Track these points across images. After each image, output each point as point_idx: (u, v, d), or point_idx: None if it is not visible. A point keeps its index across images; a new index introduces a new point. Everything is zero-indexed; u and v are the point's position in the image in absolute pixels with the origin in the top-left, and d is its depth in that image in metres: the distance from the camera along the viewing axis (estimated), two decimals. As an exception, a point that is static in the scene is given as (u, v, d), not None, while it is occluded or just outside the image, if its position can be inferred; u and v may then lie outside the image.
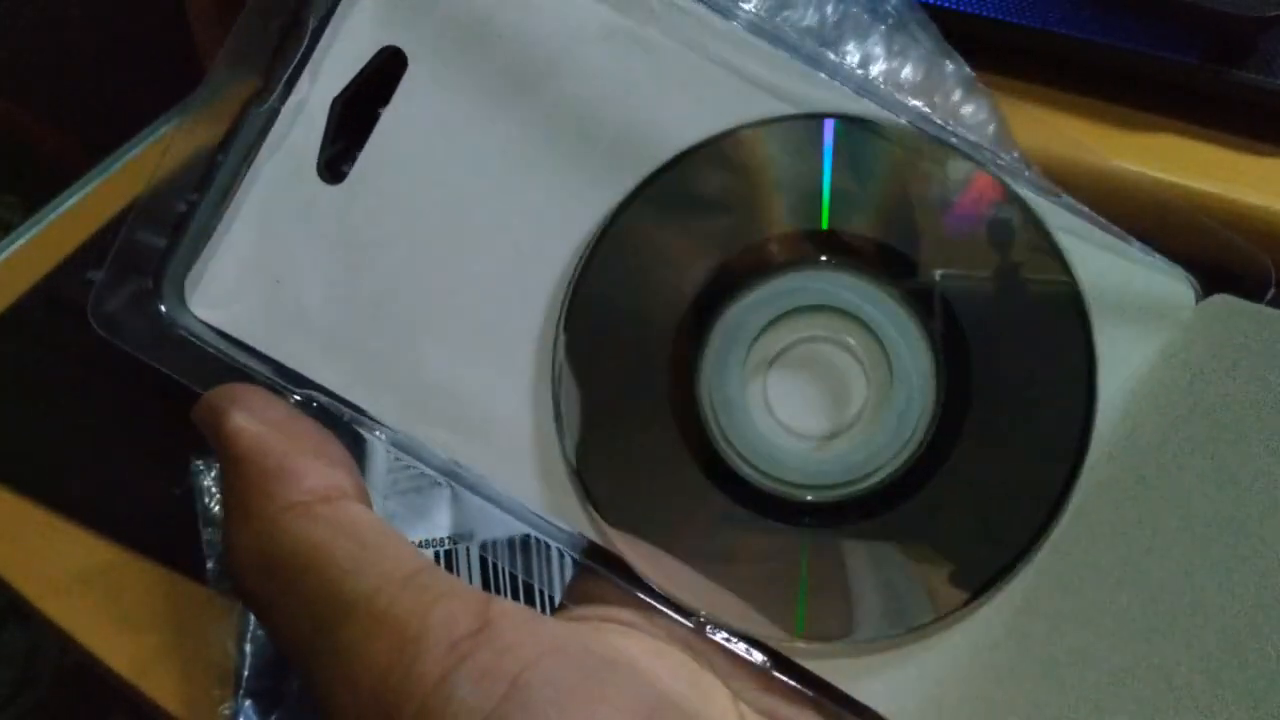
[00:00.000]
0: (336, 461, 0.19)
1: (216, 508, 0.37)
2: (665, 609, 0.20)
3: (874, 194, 0.20)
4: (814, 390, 0.21)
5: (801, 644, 0.19)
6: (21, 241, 0.55)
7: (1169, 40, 0.32)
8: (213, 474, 0.38)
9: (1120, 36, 0.32)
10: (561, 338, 0.20)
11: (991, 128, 0.24)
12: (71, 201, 0.56)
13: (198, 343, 0.20)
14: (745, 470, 0.20)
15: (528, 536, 0.33)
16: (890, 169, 0.20)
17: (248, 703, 0.34)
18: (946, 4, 0.32)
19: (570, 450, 0.20)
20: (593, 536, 0.20)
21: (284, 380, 0.20)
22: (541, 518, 0.20)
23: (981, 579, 0.19)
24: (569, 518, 0.20)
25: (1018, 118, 0.25)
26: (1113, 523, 0.19)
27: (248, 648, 0.35)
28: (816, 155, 0.20)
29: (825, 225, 0.20)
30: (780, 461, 0.20)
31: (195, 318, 0.20)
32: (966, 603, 0.19)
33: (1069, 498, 0.19)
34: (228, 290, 0.20)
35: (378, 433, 0.20)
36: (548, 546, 0.21)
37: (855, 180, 0.20)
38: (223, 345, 0.20)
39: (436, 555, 0.33)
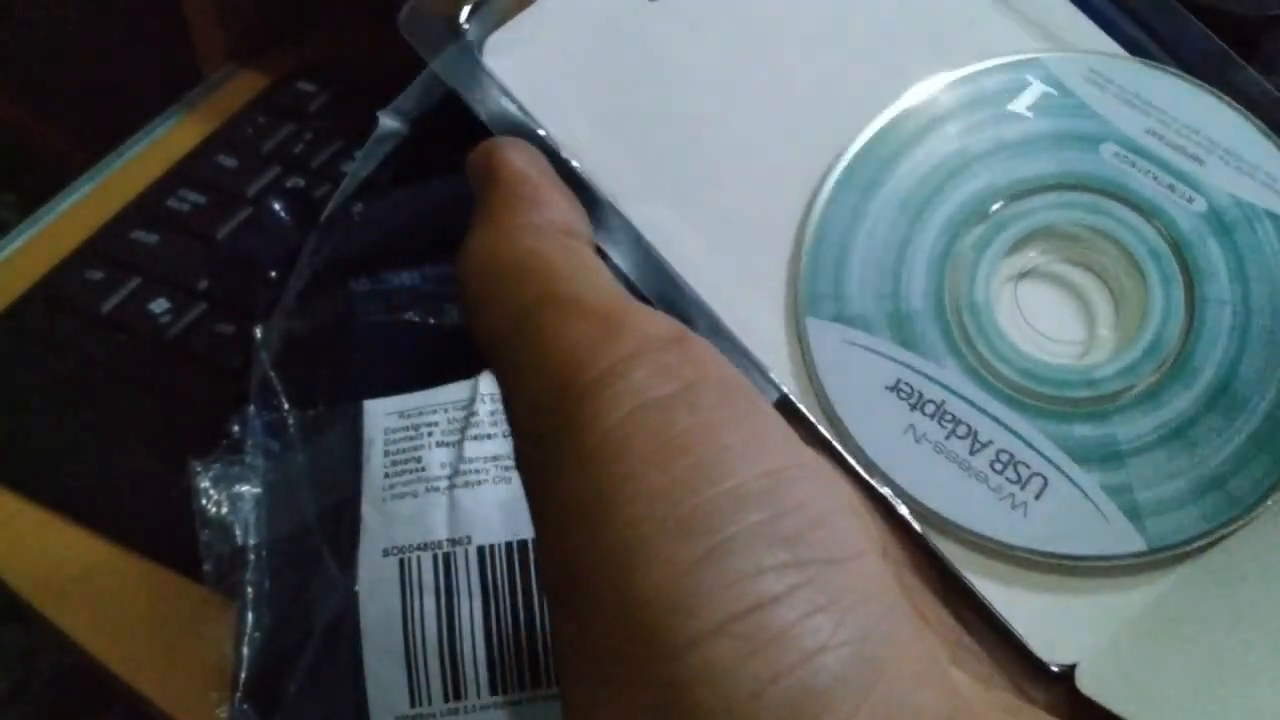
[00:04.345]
0: (581, 216, 0.21)
1: (213, 509, 0.37)
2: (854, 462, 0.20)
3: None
4: (1062, 303, 0.21)
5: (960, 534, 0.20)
6: (20, 241, 0.54)
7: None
8: (210, 474, 0.38)
9: (1119, 37, 0.32)
10: (824, 192, 0.21)
11: None
12: (70, 201, 0.56)
13: (493, 82, 0.22)
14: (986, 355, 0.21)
15: (525, 540, 0.33)
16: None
17: (245, 705, 0.34)
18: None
19: (802, 305, 0.21)
20: (793, 391, 0.20)
21: (554, 146, 0.22)
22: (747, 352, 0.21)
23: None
24: (777, 366, 0.21)
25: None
26: None
27: (245, 650, 0.35)
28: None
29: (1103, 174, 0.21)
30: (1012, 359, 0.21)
31: (491, 62, 0.22)
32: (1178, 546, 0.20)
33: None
34: (523, 55, 0.22)
35: (619, 209, 0.21)
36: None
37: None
38: (517, 92, 0.22)
39: (434, 558, 0.33)
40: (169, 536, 0.40)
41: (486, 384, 0.36)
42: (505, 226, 0.20)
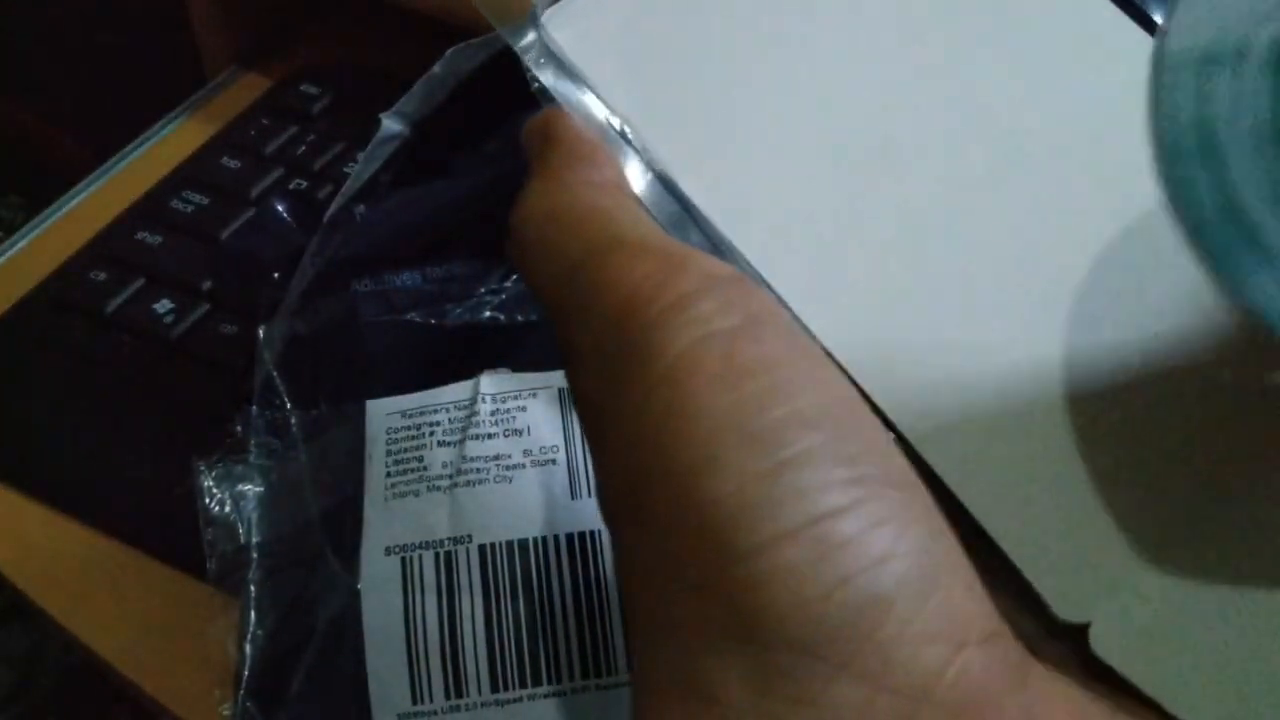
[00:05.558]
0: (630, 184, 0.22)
1: (217, 508, 0.37)
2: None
3: None
4: None
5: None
6: (25, 241, 0.55)
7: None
8: (213, 473, 0.38)
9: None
10: None
11: None
12: (75, 202, 0.56)
13: (558, 53, 0.23)
14: None
15: (526, 540, 0.34)
16: None
17: (248, 703, 0.35)
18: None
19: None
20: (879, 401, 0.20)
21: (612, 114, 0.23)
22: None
23: None
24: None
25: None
26: None
27: (248, 647, 0.35)
28: None
29: None
30: None
31: (552, 33, 0.23)
32: None
33: None
34: (582, 26, 0.23)
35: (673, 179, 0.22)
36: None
37: None
38: (579, 64, 0.23)
39: (436, 557, 0.34)
40: (172, 535, 0.41)
41: (488, 384, 0.36)
42: (566, 181, 0.21)
